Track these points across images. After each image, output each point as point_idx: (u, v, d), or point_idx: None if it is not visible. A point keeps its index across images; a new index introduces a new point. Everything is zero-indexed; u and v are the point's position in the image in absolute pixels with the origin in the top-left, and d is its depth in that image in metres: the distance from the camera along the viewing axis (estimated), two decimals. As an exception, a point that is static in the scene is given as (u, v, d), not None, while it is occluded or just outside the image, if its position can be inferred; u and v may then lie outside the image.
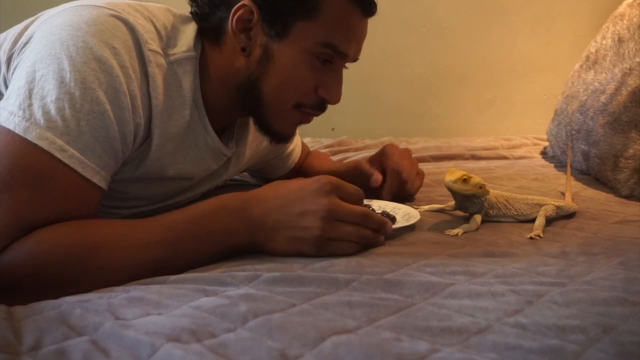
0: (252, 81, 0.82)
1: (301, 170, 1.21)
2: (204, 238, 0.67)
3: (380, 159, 1.04)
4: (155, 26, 0.77)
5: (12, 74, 0.73)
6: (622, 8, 1.44)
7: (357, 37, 0.84)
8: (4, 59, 0.76)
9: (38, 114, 0.65)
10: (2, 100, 0.68)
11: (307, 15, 0.79)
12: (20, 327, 0.50)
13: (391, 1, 1.92)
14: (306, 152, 1.25)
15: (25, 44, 0.73)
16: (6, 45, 0.77)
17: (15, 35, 0.77)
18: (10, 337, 0.48)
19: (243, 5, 0.80)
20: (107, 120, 0.68)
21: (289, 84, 0.81)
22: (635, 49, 1.27)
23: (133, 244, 0.65)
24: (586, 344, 0.46)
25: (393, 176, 0.99)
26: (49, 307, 0.54)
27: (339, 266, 0.64)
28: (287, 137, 0.91)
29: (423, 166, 1.43)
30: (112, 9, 0.73)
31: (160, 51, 0.76)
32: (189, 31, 0.82)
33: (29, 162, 0.63)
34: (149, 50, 0.73)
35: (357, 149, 1.65)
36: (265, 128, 0.87)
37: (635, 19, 1.34)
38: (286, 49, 0.80)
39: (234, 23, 0.80)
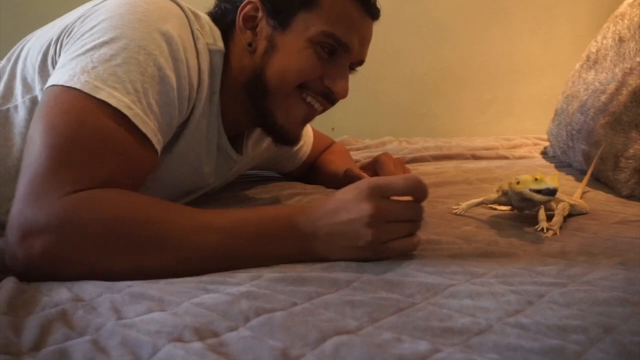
0: (257, 73, 0.84)
1: (314, 165, 1.20)
2: (259, 241, 0.65)
3: (373, 168, 1.04)
4: (194, 15, 0.80)
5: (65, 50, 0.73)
6: (622, 8, 1.44)
7: (358, 31, 0.85)
8: (54, 38, 0.77)
9: (104, 75, 0.66)
10: (57, 68, 0.70)
11: (308, 7, 0.82)
12: (22, 324, 0.50)
13: (391, 1, 1.92)
14: (325, 144, 1.24)
15: (76, 25, 0.74)
16: (51, 31, 0.78)
17: (63, 26, 0.77)
18: (11, 335, 0.48)
19: (249, 2, 0.84)
20: (167, 85, 0.71)
21: (293, 67, 0.83)
22: (636, 49, 1.27)
23: (201, 223, 0.64)
24: (587, 344, 0.46)
25: None
26: (51, 305, 0.54)
27: (340, 266, 0.64)
28: (293, 137, 0.90)
29: (423, 166, 1.43)
30: None
31: (203, 34, 0.79)
32: (215, 29, 0.84)
33: (97, 118, 0.65)
34: (197, 29, 0.77)
35: (357, 149, 1.65)
36: (271, 126, 0.87)
37: (636, 19, 1.34)
38: (290, 39, 0.82)
39: (240, 20, 0.84)
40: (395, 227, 0.66)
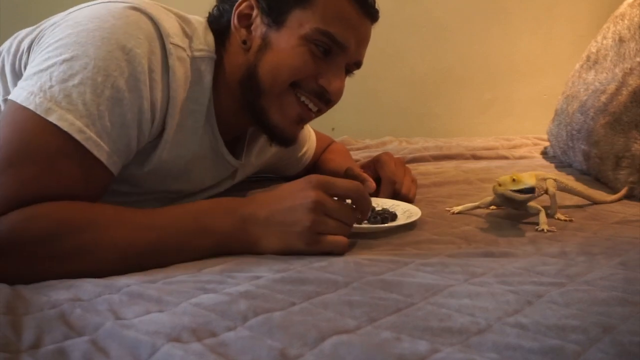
0: (250, 71, 0.83)
1: (315, 165, 1.21)
2: (195, 230, 0.68)
3: (374, 167, 1.04)
4: (179, 23, 0.79)
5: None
6: (622, 8, 1.44)
7: (355, 30, 0.84)
8: (25, 47, 0.78)
9: (59, 96, 0.66)
10: (20, 80, 0.70)
11: (303, 4, 0.81)
12: (20, 324, 0.50)
13: (391, 1, 1.92)
14: (325, 144, 1.25)
15: (46, 33, 0.75)
16: (30, 36, 0.79)
17: (37, 29, 0.79)
18: (10, 334, 0.48)
19: (244, 0, 0.83)
20: (125, 107, 0.70)
21: (286, 64, 0.82)
22: (636, 49, 1.27)
23: (129, 224, 0.66)
24: (586, 344, 0.46)
25: (388, 185, 0.99)
26: (49, 305, 0.54)
27: (338, 266, 0.64)
28: (289, 137, 0.89)
29: (423, 166, 1.43)
30: (137, 5, 0.76)
31: (183, 46, 0.78)
32: (208, 33, 0.84)
33: (45, 140, 0.65)
34: (171, 43, 0.76)
35: (357, 149, 1.65)
36: (265, 124, 0.87)
37: (636, 19, 1.34)
38: (284, 37, 0.82)
39: (235, 19, 0.84)
40: (332, 222, 0.69)
